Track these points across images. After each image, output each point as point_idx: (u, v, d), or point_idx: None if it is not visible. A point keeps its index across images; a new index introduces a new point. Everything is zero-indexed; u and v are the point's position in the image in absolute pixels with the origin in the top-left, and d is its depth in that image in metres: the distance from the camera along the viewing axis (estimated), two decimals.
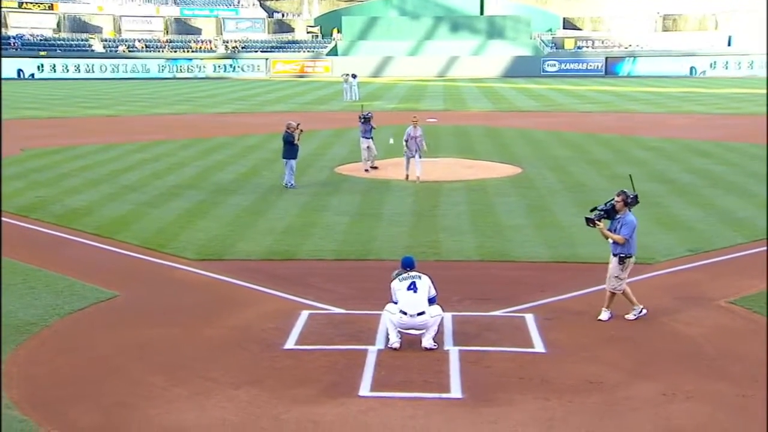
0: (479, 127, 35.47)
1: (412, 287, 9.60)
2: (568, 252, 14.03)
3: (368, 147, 22.98)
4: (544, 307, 11.07)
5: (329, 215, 17.26)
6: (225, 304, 11.31)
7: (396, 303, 9.63)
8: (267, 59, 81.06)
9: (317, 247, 14.47)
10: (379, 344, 9.65)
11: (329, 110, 45.34)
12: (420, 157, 21.09)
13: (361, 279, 12.65)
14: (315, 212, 17.59)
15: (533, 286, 12.13)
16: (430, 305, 9.59)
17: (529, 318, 10.56)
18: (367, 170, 22.92)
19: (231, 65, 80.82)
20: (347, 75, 51.82)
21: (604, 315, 10.59)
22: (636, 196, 10.62)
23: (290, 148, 19.80)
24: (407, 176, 21.34)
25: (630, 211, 10.54)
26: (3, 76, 60.49)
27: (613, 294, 10.60)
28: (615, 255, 10.56)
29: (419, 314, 9.45)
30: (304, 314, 10.74)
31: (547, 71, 77.98)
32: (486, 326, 10.33)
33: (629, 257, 10.46)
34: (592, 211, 10.60)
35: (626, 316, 10.53)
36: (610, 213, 10.53)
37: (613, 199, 10.66)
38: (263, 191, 20.14)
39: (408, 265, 9.91)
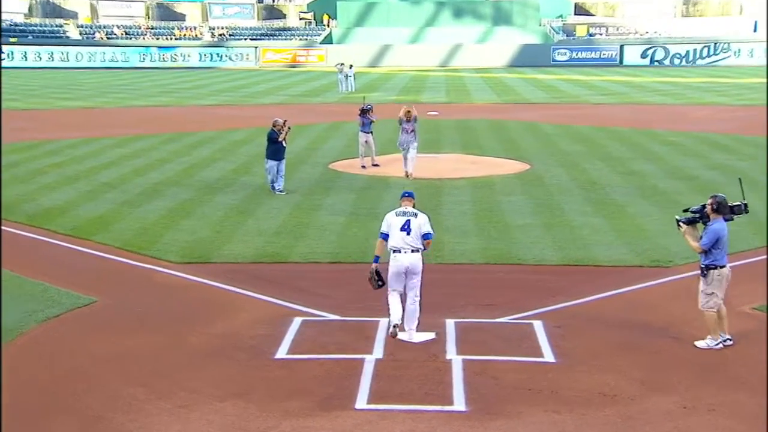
0: (484, 120, 35.50)
1: (406, 228, 10.16)
2: (580, 254, 14.06)
3: (366, 141, 22.99)
4: (554, 314, 11.08)
5: (323, 215, 17.27)
6: (211, 310, 11.31)
7: (385, 235, 10.24)
8: (256, 48, 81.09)
9: (310, 250, 14.48)
10: (378, 353, 9.66)
11: (323, 102, 45.35)
12: (414, 148, 21.19)
13: (357, 283, 12.63)
14: (308, 212, 17.59)
15: (542, 291, 12.14)
16: (424, 242, 10.24)
17: (538, 325, 10.57)
18: (363, 166, 22.93)
19: (217, 54, 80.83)
20: (342, 65, 51.85)
21: (702, 342, 9.81)
22: (740, 206, 9.78)
23: (274, 148, 19.16)
24: (407, 173, 21.36)
25: (724, 218, 9.79)
26: None
27: (712, 314, 9.77)
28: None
29: (412, 251, 10.14)
30: (297, 321, 10.75)
31: (557, 60, 78.08)
32: (492, 334, 10.34)
33: (713, 269, 9.75)
34: (684, 212, 10.01)
35: (696, 343, 9.85)
36: (702, 217, 9.93)
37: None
38: (252, 189, 20.14)
39: (407, 193, 10.59)
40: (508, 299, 11.73)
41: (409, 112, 21.21)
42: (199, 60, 79.97)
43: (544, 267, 13.50)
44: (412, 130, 21.15)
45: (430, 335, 10.18)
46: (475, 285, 12.55)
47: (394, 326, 10.17)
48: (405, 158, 21.36)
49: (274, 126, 19.38)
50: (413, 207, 10.55)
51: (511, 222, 16.48)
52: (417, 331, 10.18)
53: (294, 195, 19.26)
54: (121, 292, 12.21)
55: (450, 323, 10.58)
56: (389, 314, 10.64)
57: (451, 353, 9.69)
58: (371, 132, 23.09)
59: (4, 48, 72.87)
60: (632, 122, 34.49)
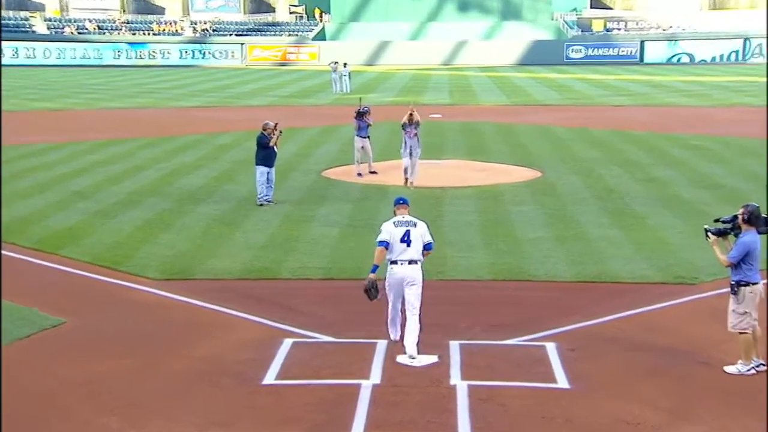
0: (491, 123, 35.59)
1: (406, 239, 10.39)
2: (597, 270, 14.07)
3: (363, 147, 23.03)
4: (568, 335, 11.08)
5: (316, 227, 17.28)
6: (193, 332, 11.30)
7: (386, 243, 10.43)
8: (243, 44, 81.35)
9: (302, 265, 14.49)
10: (375, 378, 9.66)
11: (316, 104, 45.45)
12: (417, 154, 21.18)
13: (353, 302, 12.64)
14: (299, 224, 17.61)
15: (555, 310, 12.14)
16: (424, 252, 10.51)
17: (551, 347, 10.57)
18: (360, 174, 22.96)
19: (200, 51, 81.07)
20: (336, 63, 52.02)
21: (733, 368, 9.75)
22: None
23: (265, 154, 19.13)
24: (406, 181, 21.37)
25: (758, 231, 9.72)
26: None
27: (746, 336, 9.67)
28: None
29: (411, 263, 10.38)
30: (287, 343, 10.74)
31: (571, 58, 78.37)
32: (500, 357, 10.34)
33: (744, 285, 9.69)
34: (715, 221, 9.95)
35: (726, 369, 9.78)
36: (734, 228, 9.81)
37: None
38: (238, 199, 20.16)
39: (402, 199, 10.89)
40: (517, 319, 11.73)
41: (411, 114, 21.23)
42: (180, 57, 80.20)
43: (556, 284, 13.51)
44: (415, 135, 21.13)
45: (433, 358, 10.19)
46: (482, 303, 12.55)
47: (394, 342, 10.48)
48: (406, 166, 21.27)
49: (264, 129, 19.28)
50: (408, 214, 10.75)
51: (521, 235, 16.50)
52: (418, 351, 10.19)
53: (284, 205, 19.27)
54: (92, 312, 12.19)
55: (454, 345, 10.58)
56: (388, 335, 10.75)
57: (456, 378, 9.68)
58: (368, 137, 23.12)
59: None
60: (653, 125, 34.60)
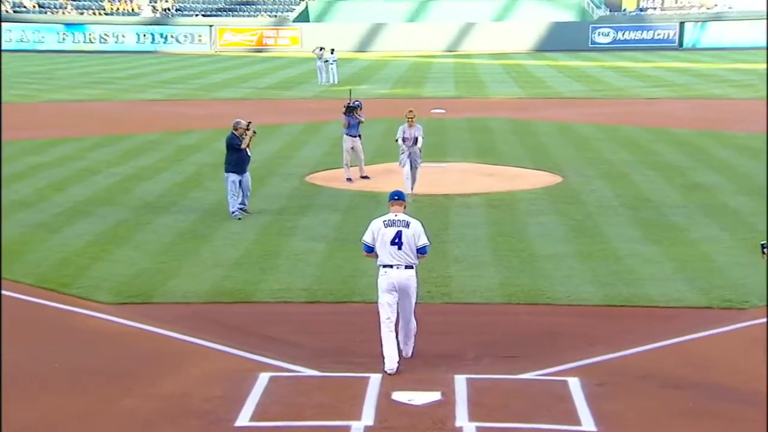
0: (503, 120, 35.69)
1: (397, 241, 10.84)
2: (628, 292, 14.13)
3: (353, 147, 23.09)
4: (594, 368, 11.12)
5: (298, 241, 17.32)
6: (153, 365, 11.31)
7: (370, 248, 11.06)
8: (211, 27, 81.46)
9: (281, 286, 14.52)
10: (367, 419, 9.68)
11: (298, 97, 45.52)
12: (417, 163, 21.01)
13: (341, 329, 12.68)
14: (278, 237, 17.64)
15: (579, 339, 12.19)
16: (418, 255, 11.01)
17: (574, 383, 10.61)
18: (349, 179, 23.02)
19: (161, 34, 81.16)
20: (322, 49, 52.14)
21: None
22: None
23: (236, 158, 19.03)
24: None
25: None
26: None
27: None
28: None
29: (406, 267, 10.88)
30: (263, 378, 10.76)
31: (597, 43, 78.62)
32: (514, 394, 10.37)
33: None
34: None
35: None
36: None
37: None
38: (206, 209, 20.19)
39: (397, 195, 11.30)
40: (534, 349, 11.77)
41: (411, 111, 21.12)
42: (137, 42, 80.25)
43: (580, 308, 13.55)
44: (416, 138, 20.78)
45: (435, 395, 10.21)
46: (493, 331, 12.59)
47: (389, 373, 10.71)
48: (406, 175, 20.97)
49: (234, 129, 19.24)
50: (404, 212, 11.06)
51: (539, 250, 16.56)
52: (418, 388, 10.21)
53: (260, 216, 19.30)
54: (34, 343, 12.17)
55: (460, 380, 10.60)
56: (382, 359, 10.84)
57: (462, 419, 9.69)
58: (359, 135, 23.18)
59: None
60: (695, 121, 34.71)
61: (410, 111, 21.13)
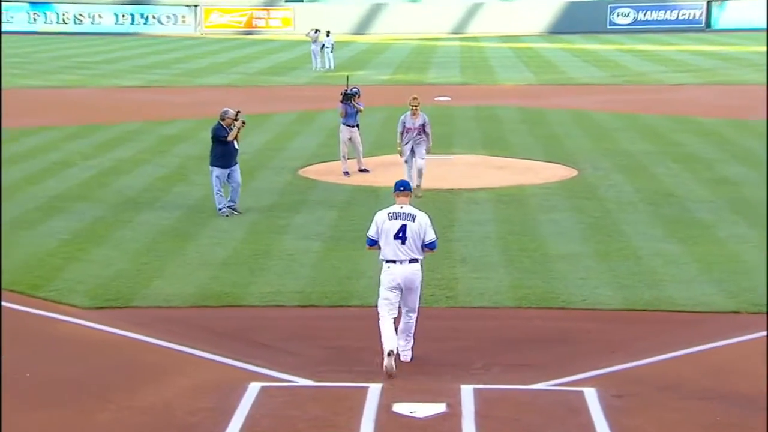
0: (514, 108, 35.67)
1: (401, 235, 11.11)
2: (649, 295, 14.13)
3: (350, 138, 23.08)
4: (612, 378, 11.12)
5: (291, 240, 17.32)
6: (133, 375, 11.31)
7: (374, 242, 11.35)
8: (196, 6, 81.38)
9: (273, 288, 14.52)
10: (367, 431, 9.71)
11: (290, 84, 45.49)
12: (422, 155, 20.77)
13: (337, 335, 12.68)
14: (269, 236, 17.64)
15: (596, 346, 12.20)
16: (425, 250, 11.33)
17: (590, 394, 10.61)
18: (347, 172, 23.02)
19: (141, 15, 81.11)
20: (317, 32, 52.09)
21: None
22: None
23: (221, 151, 18.91)
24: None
25: None
26: None
27: None
28: None
29: (411, 261, 11.18)
30: (254, 388, 10.76)
31: (616, 24, 78.57)
32: (525, 406, 10.37)
33: None
34: None
35: None
36: None
37: None
38: (191, 205, 20.19)
39: (402, 185, 11.59)
40: (548, 357, 11.77)
41: (415, 98, 20.91)
42: (115, 23, 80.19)
43: (598, 312, 13.54)
44: (420, 129, 20.60)
45: (440, 407, 10.21)
46: (502, 337, 12.59)
47: (388, 354, 10.95)
48: (410, 168, 20.88)
49: (221, 119, 19.11)
50: (410, 204, 11.32)
51: (552, 250, 16.56)
52: (421, 399, 10.23)
53: (250, 213, 19.28)
54: (3, 351, 12.16)
55: (467, 391, 10.60)
56: (381, 345, 11.04)
57: None
58: (357, 125, 23.16)
59: None
60: (723, 109, 34.67)
61: (414, 98, 20.89)
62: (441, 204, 19.89)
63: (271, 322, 13.21)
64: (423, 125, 20.67)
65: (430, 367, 11.23)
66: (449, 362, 11.41)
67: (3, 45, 63.34)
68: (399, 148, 20.94)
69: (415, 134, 20.66)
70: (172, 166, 24.65)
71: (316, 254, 16.37)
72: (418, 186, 20.43)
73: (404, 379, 10.90)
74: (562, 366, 11.43)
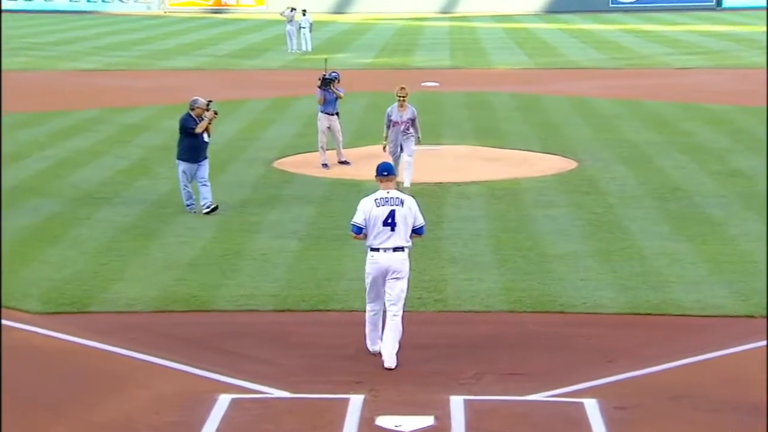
0: (508, 95, 35.69)
1: (390, 222, 11.41)
2: (655, 298, 14.17)
3: (329, 127, 23.07)
4: (615, 388, 11.15)
5: (265, 239, 17.31)
6: (92, 386, 11.28)
7: (359, 230, 11.56)
8: None
9: (246, 291, 14.51)
10: None
11: (264, 67, 45.39)
12: (410, 151, 20.70)
13: (315, 342, 12.67)
14: (241, 234, 17.61)
15: (597, 354, 12.23)
16: (413, 235, 11.66)
17: (591, 405, 10.64)
18: (325, 165, 23.01)
19: None
20: (293, 10, 52.01)
21: None
22: None
23: (189, 144, 18.73)
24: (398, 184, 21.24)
25: None
26: None
27: None
28: None
29: (396, 250, 11.43)
30: (224, 400, 10.75)
31: (619, 2, 78.70)
32: (520, 418, 10.39)
33: None
34: None
35: None
36: None
37: None
38: (155, 200, 20.14)
39: (386, 170, 11.84)
40: (544, 366, 11.80)
41: (403, 89, 20.71)
42: (70, 0, 79.84)
43: (599, 317, 13.58)
44: (408, 123, 20.48)
45: (427, 420, 10.24)
46: (495, 344, 12.60)
47: (374, 354, 11.37)
48: (397, 165, 20.71)
49: (191, 109, 18.91)
50: (396, 188, 11.65)
51: (549, 249, 16.59)
52: (408, 411, 10.27)
53: (220, 209, 19.19)
54: None
55: (457, 402, 10.62)
56: (366, 345, 11.45)
57: None
58: (337, 113, 23.15)
59: None
60: (735, 95, 34.73)
61: (402, 88, 20.69)
62: (429, 199, 19.82)
63: (243, 328, 13.20)
64: (411, 119, 20.60)
65: (416, 377, 11.25)
66: (437, 371, 11.42)
67: None
68: (383, 143, 20.93)
69: (402, 128, 20.49)
70: (134, 158, 24.57)
71: (293, 254, 16.37)
72: (407, 187, 20.30)
73: (389, 389, 10.92)
74: (560, 375, 11.45)
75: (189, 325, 13.33)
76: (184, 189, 18.99)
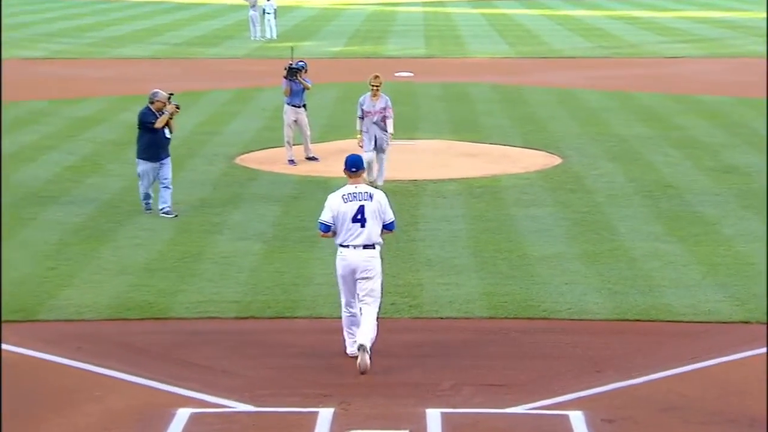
0: (487, 85, 35.75)
1: (359, 218, 11.71)
2: (645, 302, 14.22)
3: (296, 121, 23.06)
4: (602, 400, 11.18)
5: (227, 241, 17.27)
6: (38, 401, 11.19)
7: (326, 228, 11.87)
8: None
9: (206, 297, 14.47)
10: None
11: (225, 56, 45.28)
12: (384, 148, 20.68)
13: (281, 352, 12.65)
14: (201, 236, 17.57)
15: (583, 363, 12.26)
16: (384, 231, 12.01)
17: (577, 418, 10.66)
18: (292, 161, 23.00)
19: None
20: None
21: None
22: None
23: (150, 140, 18.54)
24: (371, 183, 21.20)
25: None
26: None
27: None
28: None
29: (365, 247, 11.75)
30: (183, 414, 10.71)
31: None
32: None
33: None
34: None
35: None
36: None
37: None
38: (108, 198, 20.05)
39: (354, 165, 12.01)
40: (527, 376, 11.82)
41: (377, 77, 20.67)
42: None
43: (585, 323, 13.62)
44: (382, 113, 20.38)
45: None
46: (474, 353, 12.61)
47: (358, 348, 11.63)
48: (369, 161, 20.62)
49: (151, 102, 18.70)
50: (365, 183, 12.03)
51: (532, 250, 16.63)
52: (380, 426, 10.30)
53: (179, 209, 19.09)
54: None
55: (434, 415, 10.63)
56: (344, 341, 11.84)
57: None
58: (304, 105, 23.15)
59: None
60: (731, 86, 34.91)
61: (376, 77, 20.70)
62: (403, 198, 19.88)
63: (203, 336, 13.16)
64: (384, 108, 20.59)
65: (390, 388, 11.25)
66: (412, 382, 11.42)
67: None
68: (358, 136, 20.91)
69: (375, 119, 20.56)
70: (85, 153, 24.46)
71: (257, 257, 16.35)
72: (380, 185, 20.26)
73: (360, 402, 10.91)
74: (544, 386, 11.47)
75: (144, 334, 13.28)
76: (143, 191, 18.86)
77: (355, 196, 11.79)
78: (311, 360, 12.01)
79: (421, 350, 12.56)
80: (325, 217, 11.84)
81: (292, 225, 18.12)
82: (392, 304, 13.74)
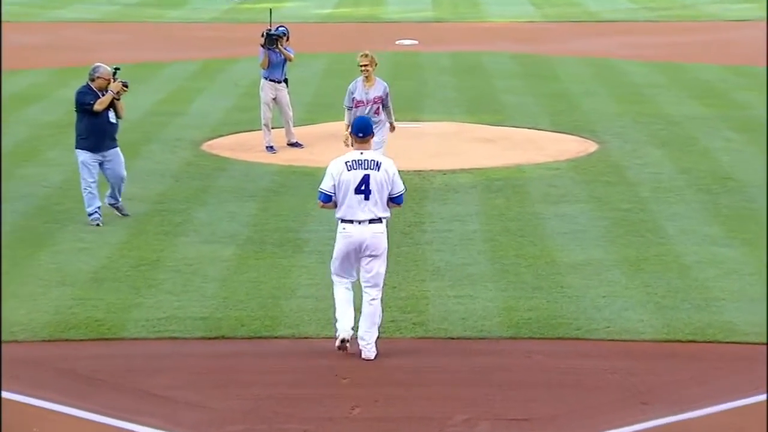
0: (507, 55, 35.78)
1: (364, 189, 11.88)
2: (700, 320, 14.24)
3: (275, 99, 23.08)
4: None
5: (191, 244, 17.34)
6: None
7: (327, 198, 12.30)
8: None
9: (166, 314, 14.50)
10: None
11: (189, 20, 45.27)
12: (381, 140, 20.40)
13: (257, 380, 12.70)
14: (161, 238, 17.62)
15: (624, 393, 12.31)
16: (391, 205, 12.43)
17: None
18: (271, 147, 23.03)
19: None
20: None
21: None
22: None
23: (89, 125, 18.21)
24: None
25: None
26: None
27: None
28: None
29: (371, 221, 12.14)
30: None
31: None
32: None
33: None
34: None
35: None
36: None
37: None
38: (48, 194, 20.11)
39: (361, 130, 12.23)
40: (556, 409, 11.87)
41: (365, 56, 19.96)
42: None
43: (627, 345, 13.67)
44: (378, 104, 19.74)
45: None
46: (492, 381, 12.66)
47: (341, 341, 11.89)
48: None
49: (91, 80, 18.36)
50: (372, 149, 12.31)
51: (562, 256, 16.69)
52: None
53: (132, 205, 19.08)
54: None
55: None
56: (334, 322, 11.92)
57: None
58: (285, 80, 23.20)
59: None
60: None
61: (364, 56, 19.62)
62: (408, 192, 19.74)
63: (162, 361, 13.22)
64: (381, 97, 19.81)
65: (389, 423, 11.30)
66: (417, 415, 11.47)
67: None
68: (345, 133, 19.81)
69: (368, 110, 19.67)
70: (18, 138, 24.49)
71: (228, 264, 16.40)
72: None
73: None
74: (576, 420, 11.55)
75: (91, 358, 13.32)
76: (86, 190, 18.35)
77: (360, 164, 12.08)
78: (293, 389, 12.04)
79: (428, 377, 12.60)
80: (326, 185, 12.17)
81: (271, 225, 18.16)
82: (392, 321, 13.75)
